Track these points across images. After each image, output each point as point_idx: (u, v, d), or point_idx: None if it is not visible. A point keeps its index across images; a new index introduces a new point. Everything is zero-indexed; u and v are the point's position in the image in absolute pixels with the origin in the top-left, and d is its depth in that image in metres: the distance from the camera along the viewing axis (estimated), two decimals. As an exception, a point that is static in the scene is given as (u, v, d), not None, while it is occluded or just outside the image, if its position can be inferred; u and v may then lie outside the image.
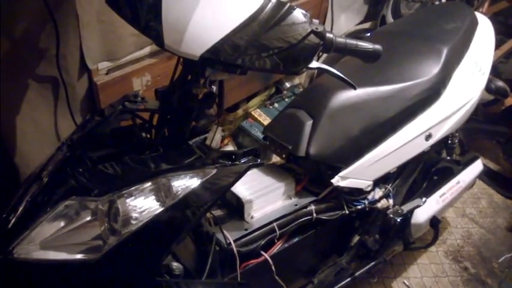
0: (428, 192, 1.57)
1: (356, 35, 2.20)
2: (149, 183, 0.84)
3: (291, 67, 0.89)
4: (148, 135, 0.99)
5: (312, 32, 0.87)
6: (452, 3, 1.63)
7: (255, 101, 2.05)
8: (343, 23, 2.22)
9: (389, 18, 2.14)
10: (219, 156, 0.90)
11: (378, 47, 0.96)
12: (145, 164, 0.89)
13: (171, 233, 0.85)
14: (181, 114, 0.96)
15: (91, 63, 1.26)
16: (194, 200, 0.85)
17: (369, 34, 2.28)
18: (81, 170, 0.86)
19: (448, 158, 1.71)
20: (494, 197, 2.23)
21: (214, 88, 0.97)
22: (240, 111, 1.98)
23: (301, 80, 2.23)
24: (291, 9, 0.84)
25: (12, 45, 1.10)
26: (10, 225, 0.86)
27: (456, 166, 1.70)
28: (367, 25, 2.35)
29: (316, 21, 0.89)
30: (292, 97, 2.17)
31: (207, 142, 0.96)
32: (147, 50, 1.40)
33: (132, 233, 0.80)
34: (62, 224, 0.83)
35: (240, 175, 0.91)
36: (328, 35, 0.91)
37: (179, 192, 0.84)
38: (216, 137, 0.96)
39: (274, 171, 1.30)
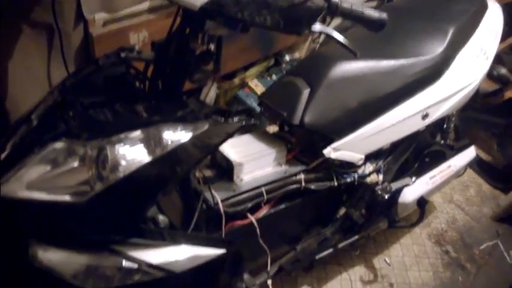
0: (419, 173, 1.58)
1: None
2: (139, 132, 0.83)
3: (293, 27, 0.87)
4: (142, 86, 0.97)
5: (319, -6, 0.85)
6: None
7: (253, 70, 2.02)
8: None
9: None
10: (212, 111, 0.89)
11: (383, 15, 0.94)
12: (136, 113, 0.88)
13: (158, 184, 0.84)
14: (176, 67, 0.94)
15: (88, 13, 1.23)
16: (183, 154, 0.84)
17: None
18: (71, 113, 0.85)
19: (442, 142, 1.71)
20: (482, 186, 2.25)
21: (212, 46, 0.96)
22: (236, 80, 1.96)
23: (301, 53, 2.21)
24: None
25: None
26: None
27: (449, 151, 1.70)
28: (374, 3, 2.31)
29: (321, -19, 0.87)
30: (291, 69, 2.15)
31: (201, 97, 0.94)
32: (145, 4, 1.36)
33: (119, 180, 0.79)
34: (50, 167, 0.82)
35: (232, 133, 0.90)
36: None
37: (169, 144, 0.83)
38: (210, 94, 0.94)
39: (267, 138, 1.29)
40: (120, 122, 0.86)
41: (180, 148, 0.84)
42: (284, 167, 1.26)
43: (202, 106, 0.91)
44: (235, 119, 0.91)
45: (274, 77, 2.09)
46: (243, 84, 2.00)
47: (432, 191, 1.67)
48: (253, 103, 1.95)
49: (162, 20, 1.40)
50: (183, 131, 0.85)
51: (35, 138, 0.85)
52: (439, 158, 1.67)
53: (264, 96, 1.30)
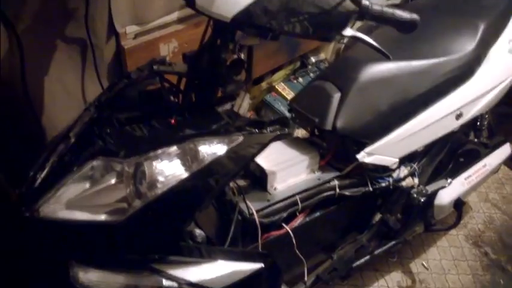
0: (454, 173, 1.54)
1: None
2: (176, 148, 0.83)
3: (324, 33, 0.86)
4: (176, 99, 0.98)
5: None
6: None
7: (280, 74, 2.02)
8: (374, -2, 2.15)
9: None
10: (246, 123, 0.89)
11: (415, 16, 0.92)
12: (172, 128, 0.88)
13: (196, 199, 0.84)
14: (208, 79, 0.94)
15: (119, 26, 1.24)
16: (220, 167, 0.84)
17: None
18: (108, 131, 0.86)
19: (476, 140, 1.66)
20: (520, 183, 2.18)
21: (242, 55, 0.96)
22: (263, 84, 1.95)
23: (326, 55, 2.18)
24: None
25: (41, 4, 1.10)
26: (37, 183, 0.87)
27: (483, 149, 1.66)
28: (398, 0, 2.26)
29: (351, -15, 0.86)
30: (317, 72, 2.13)
31: (235, 109, 0.94)
32: (175, 15, 1.38)
33: (158, 197, 0.80)
34: (88, 185, 0.84)
35: (266, 144, 0.89)
36: (364, 1, 0.87)
37: (205, 158, 0.83)
38: (243, 104, 0.94)
39: (299, 144, 1.28)
40: (156, 137, 0.87)
41: (216, 162, 0.83)
42: (317, 174, 1.24)
43: (237, 118, 0.90)
44: (270, 129, 0.90)
45: (300, 79, 2.08)
46: (270, 89, 1.99)
47: (468, 192, 1.62)
48: (281, 107, 1.94)
49: (191, 30, 1.41)
50: (219, 145, 0.85)
51: (74, 157, 0.87)
52: (474, 157, 1.62)
53: (294, 102, 1.29)
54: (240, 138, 0.86)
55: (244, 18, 0.78)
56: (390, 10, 0.91)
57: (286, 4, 0.80)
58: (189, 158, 0.83)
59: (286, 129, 0.91)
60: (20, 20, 1.07)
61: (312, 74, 2.12)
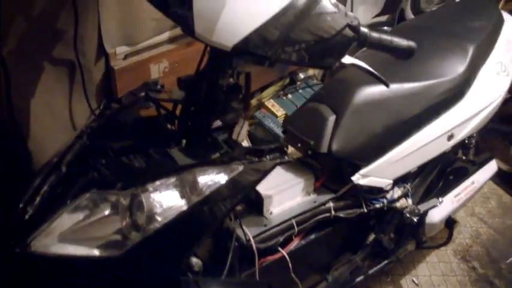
0: (444, 191, 1.55)
1: (374, 28, 2.15)
2: (174, 178, 0.81)
3: (324, 61, 0.85)
4: (172, 127, 0.95)
5: (347, 26, 0.83)
6: (479, 0, 1.58)
7: (269, 91, 2.01)
8: (361, 15, 2.17)
9: (409, 12, 2.09)
10: (245, 152, 0.87)
11: (412, 43, 0.93)
12: (170, 157, 0.86)
13: (196, 231, 0.82)
14: (206, 106, 0.92)
15: (109, 47, 1.22)
16: (220, 197, 0.82)
17: (386, 27, 2.24)
18: (103, 161, 0.83)
19: (464, 157, 1.68)
20: (503, 197, 2.21)
21: (240, 80, 0.95)
22: (253, 101, 1.94)
23: (315, 71, 2.19)
24: (326, 0, 0.80)
25: (28, 24, 1.06)
26: (27, 216, 0.83)
27: (471, 166, 1.68)
28: (384, 18, 2.30)
29: (350, 13, 0.86)
30: (306, 88, 2.14)
31: (233, 136, 0.92)
32: (166, 35, 1.35)
33: (157, 230, 0.77)
34: (81, 216, 0.80)
35: (266, 172, 0.88)
36: (363, 29, 0.87)
37: (205, 189, 0.81)
38: (242, 132, 0.93)
39: (293, 166, 1.27)
40: (154, 168, 0.84)
41: (216, 192, 0.82)
42: (313, 196, 1.23)
43: (236, 146, 0.89)
44: (269, 157, 0.89)
45: (289, 96, 2.08)
46: (260, 105, 1.99)
47: (458, 209, 1.64)
48: (271, 123, 1.93)
49: (182, 49, 1.39)
50: (218, 174, 0.83)
51: (66, 188, 0.84)
52: (462, 174, 1.64)
53: (288, 124, 1.28)
54: (240, 168, 0.84)
55: (244, 47, 0.77)
56: (388, 37, 0.91)
57: (286, 33, 0.79)
58: (188, 189, 0.81)
59: (286, 157, 0.90)
60: (5, 41, 1.03)
61: (300, 91, 2.12)
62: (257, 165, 0.87)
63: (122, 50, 1.25)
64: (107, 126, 0.95)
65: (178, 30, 1.36)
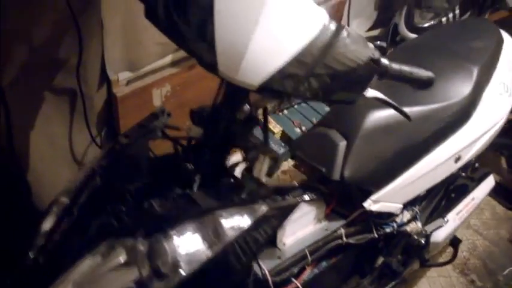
0: (447, 210, 1.56)
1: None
2: (197, 222, 0.78)
3: (348, 96, 0.83)
4: (191, 166, 0.91)
5: (371, 60, 0.81)
6: (477, 19, 1.60)
7: (265, 108, 1.98)
8: (356, 29, 2.18)
9: (403, 28, 2.10)
10: (269, 191, 0.85)
11: (431, 74, 0.91)
12: (191, 199, 0.82)
13: (222, 277, 0.79)
14: (223, 141, 0.89)
15: (112, 73, 1.17)
16: (245, 241, 0.79)
17: (379, 42, 2.25)
18: (122, 208, 0.79)
19: (463, 174, 1.70)
20: (496, 208, 2.25)
21: (258, 114, 0.92)
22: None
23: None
24: (348, 32, 0.78)
25: (29, 54, 1.01)
26: (41, 266, 0.78)
27: (471, 182, 1.69)
28: (376, 32, 2.30)
29: (371, 44, 0.84)
30: (302, 103, 2.12)
31: (255, 174, 0.89)
32: (168, 58, 1.31)
33: (182, 279, 0.73)
34: (98, 265, 0.76)
35: (290, 211, 0.86)
36: (384, 61, 0.85)
37: (229, 232, 0.78)
38: (263, 168, 0.90)
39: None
40: (175, 212, 0.80)
41: (241, 235, 0.79)
42: (324, 223, 1.21)
43: (258, 185, 0.86)
44: (292, 195, 0.87)
45: (285, 112, 2.06)
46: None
47: (459, 226, 1.65)
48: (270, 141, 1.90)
49: (185, 73, 1.35)
50: (242, 217, 0.80)
51: (80, 235, 0.79)
52: (463, 191, 1.66)
53: (296, 149, 1.25)
54: (264, 208, 0.82)
55: (270, 85, 0.74)
56: (408, 69, 0.89)
57: (311, 70, 0.76)
58: (211, 233, 0.78)
59: (309, 194, 0.88)
60: (5, 71, 0.97)
61: (296, 106, 2.10)
62: (280, 204, 0.84)
63: (124, 76, 1.20)
64: (119, 163, 0.90)
65: (180, 53, 1.32)
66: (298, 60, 0.74)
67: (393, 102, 0.89)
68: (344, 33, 0.78)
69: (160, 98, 1.31)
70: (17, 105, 1.03)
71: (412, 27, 2.09)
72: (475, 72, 1.33)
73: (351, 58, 0.78)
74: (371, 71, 0.83)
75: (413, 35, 2.03)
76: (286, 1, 0.76)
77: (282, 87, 0.75)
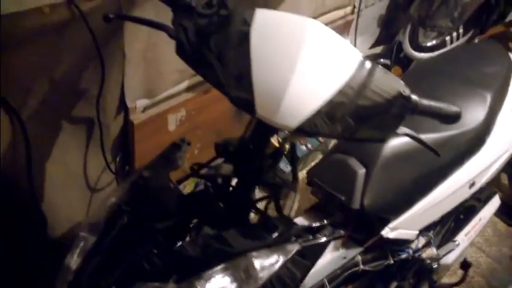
0: (456, 231, 1.57)
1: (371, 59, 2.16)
2: (230, 265, 0.76)
3: (382, 134, 0.83)
4: (221, 203, 0.90)
5: (402, 96, 0.81)
6: (487, 43, 1.62)
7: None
8: (360, 46, 2.18)
9: (407, 46, 2.11)
10: (300, 230, 0.84)
11: (458, 110, 0.92)
12: (223, 239, 0.81)
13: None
14: (252, 177, 0.88)
15: (130, 101, 1.15)
16: (278, 282, 0.78)
17: (382, 60, 2.26)
18: (154, 249, 0.77)
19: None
20: (498, 225, 2.27)
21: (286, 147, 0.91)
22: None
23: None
24: (380, 69, 0.78)
25: (50, 87, 0.98)
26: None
27: (478, 203, 1.70)
28: (379, 49, 2.32)
29: (401, 81, 0.84)
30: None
31: (285, 212, 0.88)
32: (184, 84, 1.29)
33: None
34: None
35: (322, 249, 0.85)
36: (413, 97, 0.85)
37: (262, 274, 0.77)
38: (294, 206, 0.89)
39: (319, 218, 1.24)
40: (207, 253, 0.78)
41: (274, 276, 0.77)
42: (341, 251, 1.20)
43: (290, 224, 0.84)
44: (322, 233, 0.86)
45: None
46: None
47: (468, 247, 1.66)
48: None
49: (200, 97, 1.34)
50: (274, 257, 0.79)
51: (111, 280, 0.77)
52: (471, 212, 1.67)
53: (314, 176, 1.25)
54: (296, 248, 0.81)
55: (307, 127, 0.74)
56: (437, 104, 0.89)
57: (347, 110, 0.76)
58: (243, 275, 0.77)
59: (340, 231, 0.87)
60: (25, 104, 0.95)
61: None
62: (312, 242, 0.84)
63: (141, 103, 1.19)
64: (144, 199, 0.88)
65: (197, 78, 1.30)
66: (334, 101, 0.74)
67: (422, 139, 0.89)
68: (377, 70, 0.78)
69: (175, 123, 1.30)
70: (35, 137, 1.00)
71: (416, 46, 2.11)
72: (489, 98, 1.35)
73: (384, 95, 0.78)
74: (402, 108, 0.83)
75: (418, 54, 2.05)
76: (323, 43, 0.76)
77: (318, 128, 0.75)
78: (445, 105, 0.90)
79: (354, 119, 0.77)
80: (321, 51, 0.75)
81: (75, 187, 1.17)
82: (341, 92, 0.75)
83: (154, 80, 1.16)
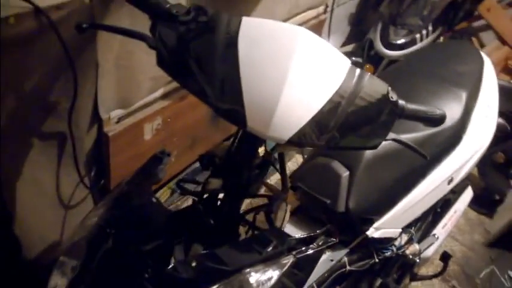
0: (434, 225, 1.60)
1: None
2: (225, 283, 0.74)
3: (371, 141, 0.82)
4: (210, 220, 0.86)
5: (390, 102, 0.81)
6: (458, 42, 1.65)
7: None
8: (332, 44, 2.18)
9: (378, 43, 2.13)
10: (294, 242, 0.82)
11: (443, 112, 0.92)
12: (216, 258, 0.78)
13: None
14: (239, 190, 0.85)
15: (104, 113, 1.09)
16: (274, 295, 0.76)
17: (354, 58, 2.27)
18: (145, 274, 0.73)
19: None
20: (469, 213, 2.35)
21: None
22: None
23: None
24: (368, 75, 0.77)
25: (19, 100, 0.92)
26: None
27: (452, 195, 1.75)
28: (350, 47, 2.32)
29: (389, 87, 0.83)
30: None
31: (277, 224, 0.86)
32: (160, 92, 1.24)
33: None
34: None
35: (317, 259, 0.84)
36: (401, 102, 0.85)
37: (257, 290, 0.75)
38: (286, 217, 0.87)
39: (306, 223, 1.23)
40: (201, 274, 0.75)
41: (269, 291, 0.76)
42: (328, 254, 1.20)
43: (283, 237, 0.82)
44: (316, 242, 0.85)
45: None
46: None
47: (445, 239, 1.70)
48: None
49: (176, 104, 1.29)
50: (270, 271, 0.77)
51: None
52: (446, 204, 1.71)
53: (297, 180, 1.24)
54: (291, 260, 0.79)
55: (299, 138, 0.72)
56: (423, 108, 0.90)
57: (338, 119, 0.75)
58: None
59: (333, 239, 0.87)
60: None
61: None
62: (307, 253, 0.82)
63: (116, 113, 1.13)
64: (128, 218, 0.84)
65: (172, 85, 1.26)
66: (326, 110, 0.73)
67: (411, 144, 0.90)
68: (366, 76, 0.77)
69: (151, 132, 1.24)
70: (3, 154, 0.93)
71: (387, 44, 2.13)
72: (464, 96, 1.37)
73: (373, 101, 0.78)
74: (392, 113, 0.82)
75: (389, 51, 2.07)
76: (313, 52, 0.74)
77: (311, 139, 0.73)
78: (430, 108, 0.90)
79: (344, 128, 0.76)
80: (311, 60, 0.73)
81: (48, 205, 1.10)
82: (331, 101, 0.73)
83: (129, 89, 1.11)
